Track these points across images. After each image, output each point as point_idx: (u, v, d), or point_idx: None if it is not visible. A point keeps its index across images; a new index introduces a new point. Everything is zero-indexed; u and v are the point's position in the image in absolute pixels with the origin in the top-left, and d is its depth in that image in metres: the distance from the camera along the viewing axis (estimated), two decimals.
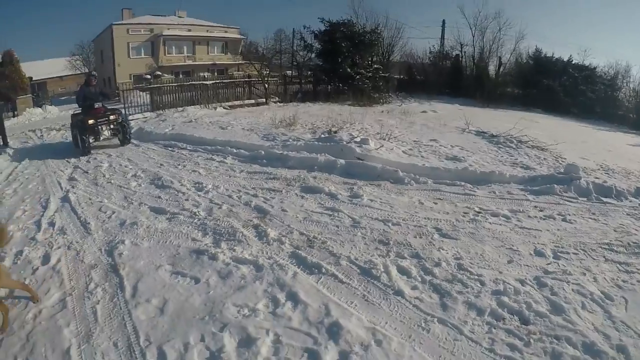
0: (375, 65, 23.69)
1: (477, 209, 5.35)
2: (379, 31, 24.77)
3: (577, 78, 26.67)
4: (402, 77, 30.17)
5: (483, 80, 26.89)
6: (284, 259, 3.95)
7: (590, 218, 5.46)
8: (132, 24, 33.78)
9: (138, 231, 4.63)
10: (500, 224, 4.90)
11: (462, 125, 12.24)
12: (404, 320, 3.08)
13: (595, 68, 27.76)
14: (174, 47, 35.05)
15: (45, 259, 4.08)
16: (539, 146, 9.49)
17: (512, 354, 2.77)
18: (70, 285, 3.58)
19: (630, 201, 6.36)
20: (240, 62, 32.77)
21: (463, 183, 6.24)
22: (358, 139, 7.93)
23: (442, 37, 30.51)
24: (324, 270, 3.70)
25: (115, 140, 9.32)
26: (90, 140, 8.53)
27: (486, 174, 6.52)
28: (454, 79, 29.18)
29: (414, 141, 9.13)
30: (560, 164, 7.95)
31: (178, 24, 35.87)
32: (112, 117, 8.95)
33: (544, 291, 3.49)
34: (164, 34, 33.91)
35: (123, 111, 10.86)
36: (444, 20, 31.38)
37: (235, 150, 8.35)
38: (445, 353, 2.75)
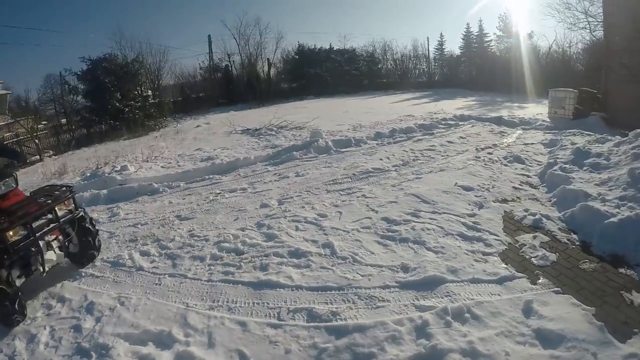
0: (144, 94, 24.84)
1: (218, 191, 7.18)
2: (140, 59, 26.19)
3: (341, 61, 33.51)
4: (176, 98, 32.00)
5: (254, 84, 30.66)
6: None
7: (325, 167, 7.69)
8: None
9: None
10: (236, 196, 6.84)
11: (229, 129, 14.29)
12: (143, 284, 4.56)
13: (355, 49, 34.96)
14: None
15: None
16: (298, 127, 12.10)
17: (227, 276, 4.27)
18: None
19: (368, 144, 9.26)
20: (9, 121, 29.13)
21: (212, 176, 8.11)
22: (118, 168, 8.82)
23: (210, 52, 33.83)
24: (84, 274, 4.92)
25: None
26: (16, 286, 4.03)
27: (232, 162, 8.45)
28: (227, 89, 32.53)
29: (178, 155, 10.84)
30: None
31: None
32: (59, 208, 4.55)
33: (261, 229, 5.24)
34: None
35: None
36: (209, 36, 34.96)
37: None
38: (172, 294, 4.08)
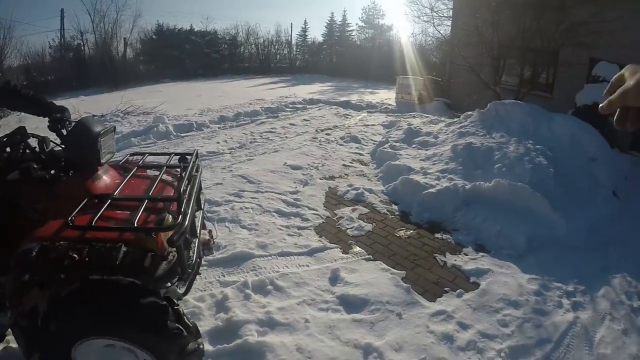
0: None
1: None
2: None
3: (201, 43, 33.26)
4: (21, 82, 28.46)
5: (109, 66, 29.02)
6: None
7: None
8: None
9: None
10: None
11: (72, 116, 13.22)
12: None
13: (217, 32, 35.40)
14: None
15: None
16: (146, 112, 11.73)
17: None
18: None
19: (210, 128, 9.40)
20: None
21: None
22: None
23: (62, 28, 30.61)
24: None
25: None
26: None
27: None
28: (79, 70, 30.25)
29: None
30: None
31: None
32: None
33: None
34: None
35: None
36: (62, 10, 31.42)
37: None
38: None
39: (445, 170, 6.10)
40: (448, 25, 14.67)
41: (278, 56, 37.25)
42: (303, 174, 6.30)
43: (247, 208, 5.06)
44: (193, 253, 2.59)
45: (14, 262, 2.08)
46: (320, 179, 6.19)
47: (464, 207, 5.22)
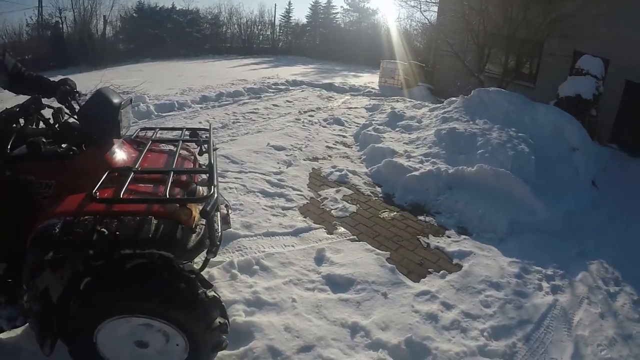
0: None
1: None
2: None
3: (182, 22, 32.53)
4: None
5: (87, 44, 28.42)
6: None
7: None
8: None
9: None
10: None
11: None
12: None
13: (199, 10, 34.83)
14: None
15: None
16: (126, 91, 11.52)
17: None
18: None
19: (192, 108, 9.21)
20: None
21: None
22: None
23: (40, 6, 29.64)
24: None
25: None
26: None
27: None
28: (57, 49, 29.56)
29: None
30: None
31: None
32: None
33: None
34: None
35: None
36: None
37: None
38: None
39: (429, 154, 6.13)
40: (434, 12, 14.73)
41: (261, 37, 36.86)
42: (287, 155, 6.24)
43: (230, 188, 4.98)
44: (218, 225, 2.54)
45: (33, 240, 1.98)
46: (304, 160, 6.15)
47: (447, 190, 5.28)
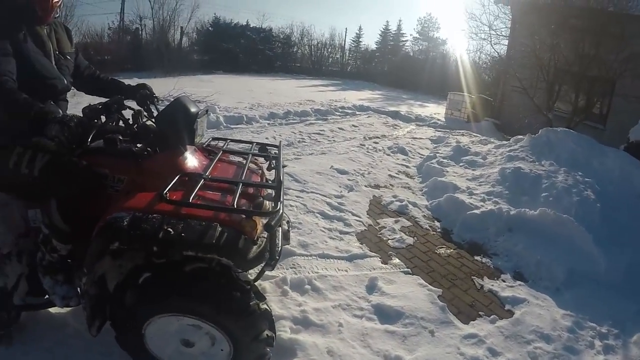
0: None
1: None
2: None
3: (256, 39, 34.29)
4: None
5: (164, 52, 30.06)
6: None
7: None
8: None
9: None
10: None
11: None
12: None
13: (272, 29, 36.54)
14: None
15: None
16: (197, 100, 12.05)
17: None
18: None
19: (259, 123, 9.61)
20: None
21: None
22: None
23: (122, 12, 32.10)
24: None
25: None
26: None
27: None
28: (134, 54, 31.53)
29: None
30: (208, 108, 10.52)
31: None
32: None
33: None
34: None
35: None
36: None
37: None
38: None
39: (491, 193, 6.00)
40: (505, 45, 14.52)
41: (330, 59, 37.50)
42: (349, 179, 6.31)
43: (291, 206, 5.11)
44: (278, 240, 2.65)
45: (101, 228, 2.09)
46: (366, 186, 6.20)
47: (507, 232, 5.12)
